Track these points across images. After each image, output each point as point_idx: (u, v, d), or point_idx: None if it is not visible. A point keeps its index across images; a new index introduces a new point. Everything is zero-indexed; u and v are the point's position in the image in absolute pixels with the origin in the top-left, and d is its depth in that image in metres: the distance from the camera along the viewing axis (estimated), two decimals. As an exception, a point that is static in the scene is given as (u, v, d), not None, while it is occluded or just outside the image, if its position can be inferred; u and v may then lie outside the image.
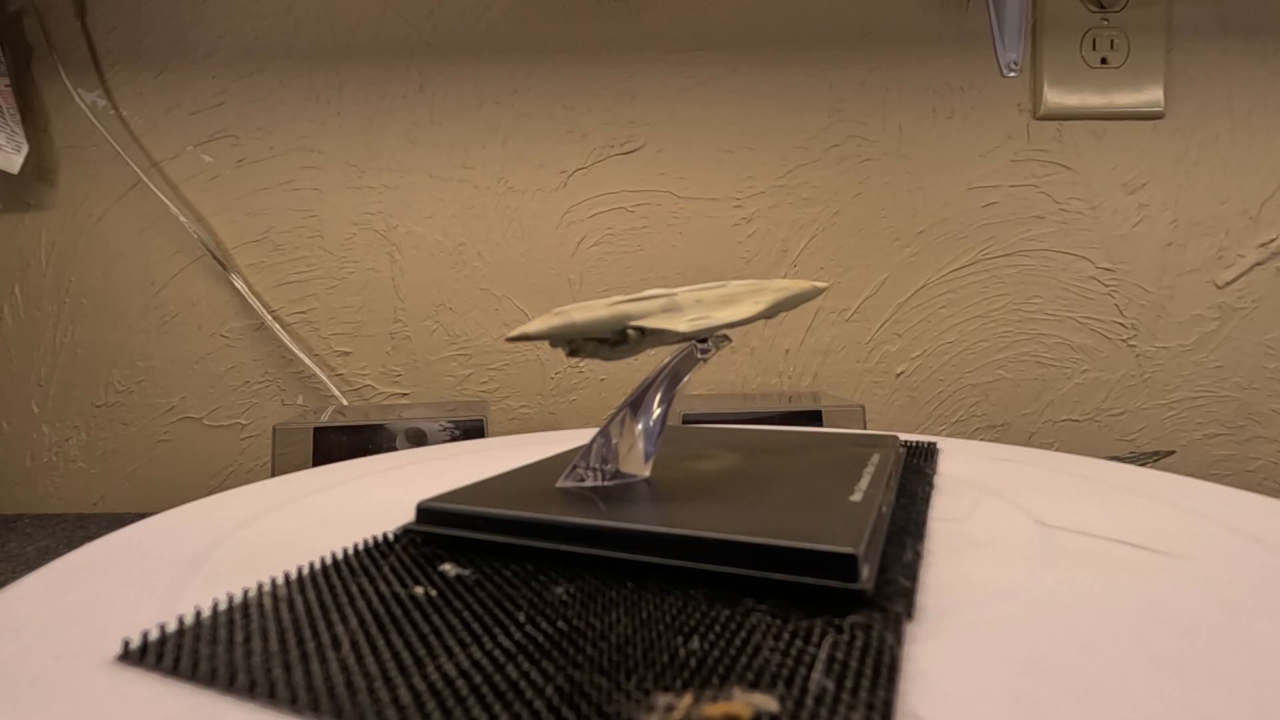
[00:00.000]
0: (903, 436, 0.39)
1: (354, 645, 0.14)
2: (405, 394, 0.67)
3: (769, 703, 0.11)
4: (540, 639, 0.14)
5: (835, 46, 0.65)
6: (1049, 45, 0.64)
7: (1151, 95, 0.64)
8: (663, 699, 0.12)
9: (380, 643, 0.14)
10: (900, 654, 0.13)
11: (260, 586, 0.17)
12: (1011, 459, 0.33)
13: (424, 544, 0.20)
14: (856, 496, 0.21)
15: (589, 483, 0.23)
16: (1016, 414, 0.66)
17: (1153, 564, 0.18)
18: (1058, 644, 0.14)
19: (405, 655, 0.13)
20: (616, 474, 0.23)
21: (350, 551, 0.20)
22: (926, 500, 0.26)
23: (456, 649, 0.14)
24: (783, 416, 0.51)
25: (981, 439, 0.64)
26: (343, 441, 0.50)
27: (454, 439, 0.51)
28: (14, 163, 0.63)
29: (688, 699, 0.12)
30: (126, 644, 0.14)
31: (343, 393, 0.67)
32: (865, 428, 0.52)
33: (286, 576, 0.18)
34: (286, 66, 0.66)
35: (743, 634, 0.14)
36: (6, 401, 0.67)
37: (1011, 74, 0.65)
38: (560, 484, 0.23)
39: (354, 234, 0.67)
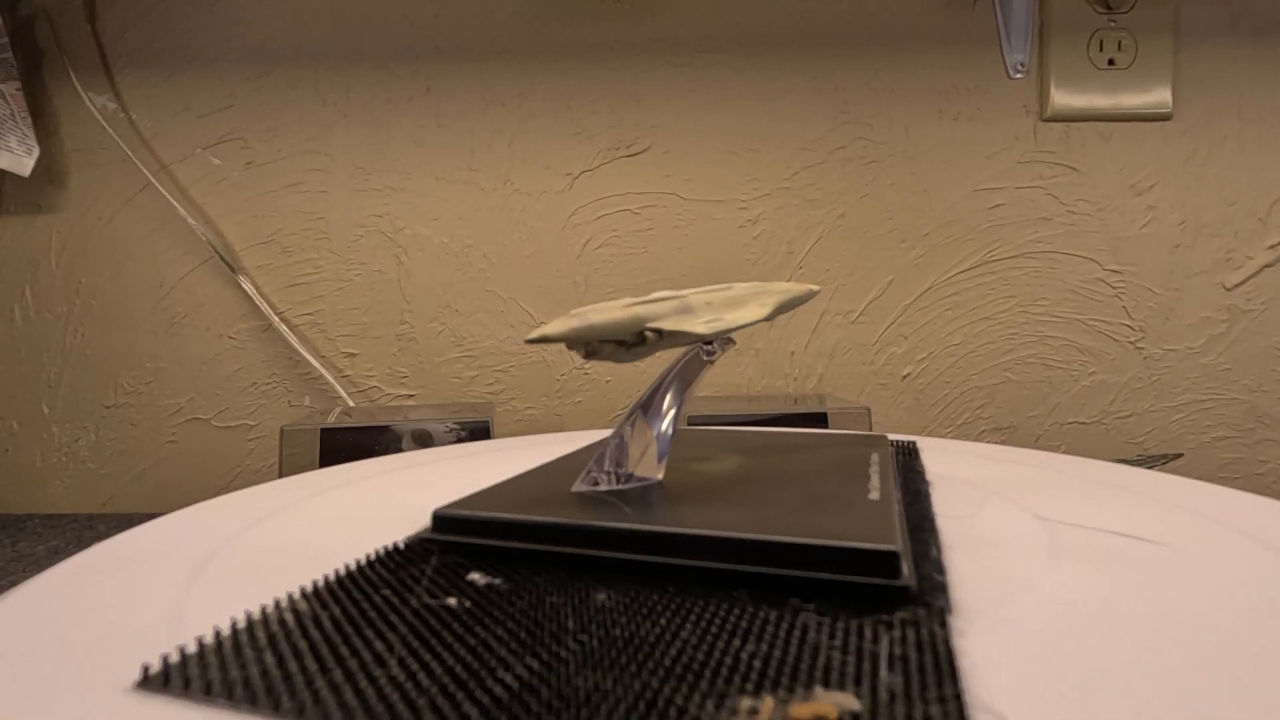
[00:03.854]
0: (892, 436, 0.39)
1: (401, 661, 0.13)
2: (411, 395, 0.68)
3: (851, 702, 0.11)
4: (598, 646, 0.14)
5: (841, 48, 0.65)
6: (1056, 46, 0.64)
7: (1159, 96, 0.64)
8: (745, 702, 0.11)
9: (427, 657, 0.13)
10: (954, 647, 0.14)
11: (278, 603, 0.16)
12: (1019, 461, 0.33)
13: (440, 552, 0.20)
14: (874, 495, 0.21)
15: (603, 486, 0.23)
16: (1023, 416, 0.66)
17: (1162, 560, 0.18)
18: (1094, 635, 0.14)
19: (459, 669, 0.13)
20: (630, 477, 0.23)
21: (365, 562, 0.19)
22: (928, 498, 0.26)
23: (513, 660, 0.13)
24: (788, 419, 0.51)
25: (988, 441, 0.64)
26: (349, 443, 0.51)
27: (460, 440, 0.51)
28: (25, 165, 0.63)
29: (769, 701, 0.11)
30: (146, 670, 0.13)
31: (349, 394, 0.67)
32: (871, 430, 0.52)
33: (303, 591, 0.17)
34: (294, 69, 0.66)
35: (797, 634, 0.14)
36: (17, 403, 0.67)
37: (1018, 75, 0.65)
38: (576, 489, 0.22)
39: (360, 236, 0.67)
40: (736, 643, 0.14)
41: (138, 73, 0.66)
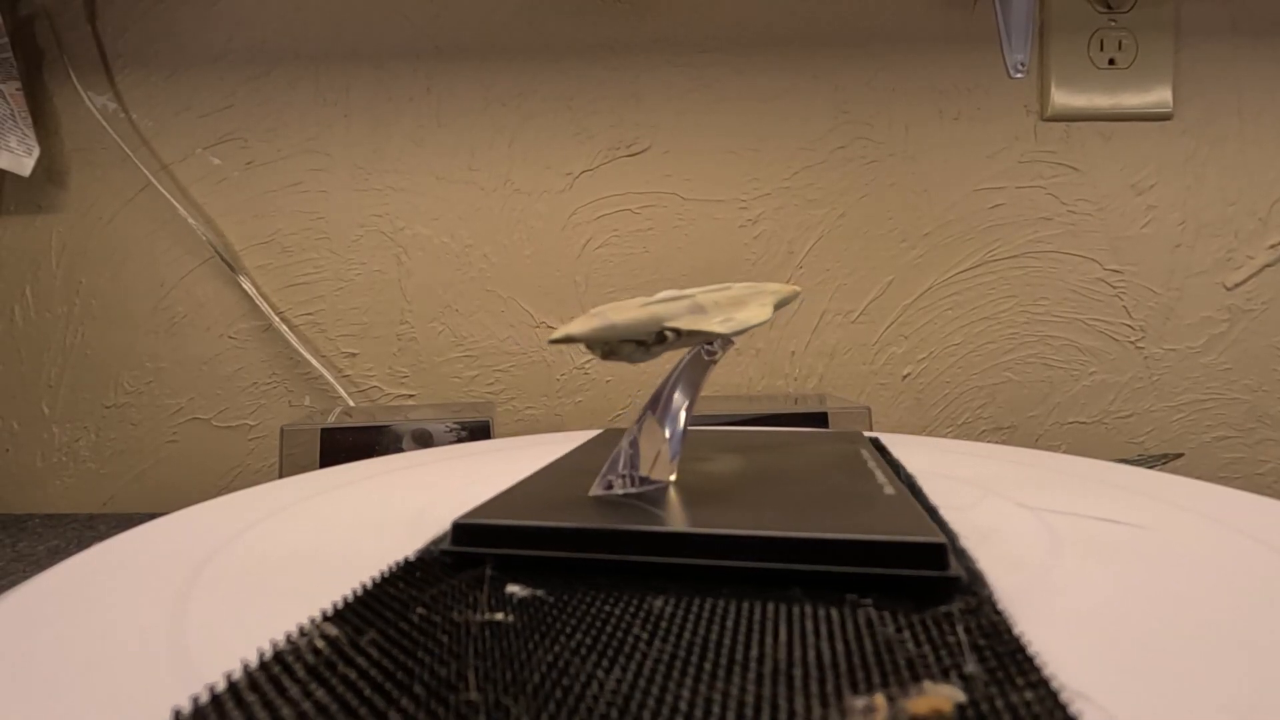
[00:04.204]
0: (888, 436, 0.39)
1: (477, 685, 0.12)
2: (412, 395, 0.68)
3: (958, 693, 0.12)
4: (680, 654, 0.13)
5: (841, 48, 0.65)
6: (1056, 46, 0.64)
7: (1160, 96, 0.64)
8: (858, 701, 0.11)
9: (500, 676, 0.12)
10: (1020, 634, 0.14)
11: (303, 629, 0.14)
12: (1018, 460, 0.33)
13: (458, 565, 0.18)
14: (890, 490, 0.21)
15: (618, 490, 0.22)
16: (1024, 416, 0.66)
17: (1164, 551, 0.18)
18: (1131, 620, 0.14)
19: (545, 687, 0.12)
20: (643, 480, 0.23)
21: (386, 576, 0.18)
22: (923, 492, 0.26)
23: (598, 673, 0.12)
24: (788, 418, 0.51)
25: (988, 441, 0.64)
26: (349, 443, 0.51)
27: (460, 440, 0.51)
28: (25, 165, 0.63)
29: (880, 699, 0.11)
30: (177, 714, 0.12)
31: (350, 394, 0.67)
32: (871, 429, 0.52)
33: (326, 614, 0.15)
34: (294, 69, 0.66)
35: (866, 630, 0.14)
36: (17, 403, 0.67)
37: (1019, 75, 0.65)
38: (593, 493, 0.22)
39: (361, 236, 0.67)
40: (812, 640, 0.14)
41: (138, 73, 0.66)
